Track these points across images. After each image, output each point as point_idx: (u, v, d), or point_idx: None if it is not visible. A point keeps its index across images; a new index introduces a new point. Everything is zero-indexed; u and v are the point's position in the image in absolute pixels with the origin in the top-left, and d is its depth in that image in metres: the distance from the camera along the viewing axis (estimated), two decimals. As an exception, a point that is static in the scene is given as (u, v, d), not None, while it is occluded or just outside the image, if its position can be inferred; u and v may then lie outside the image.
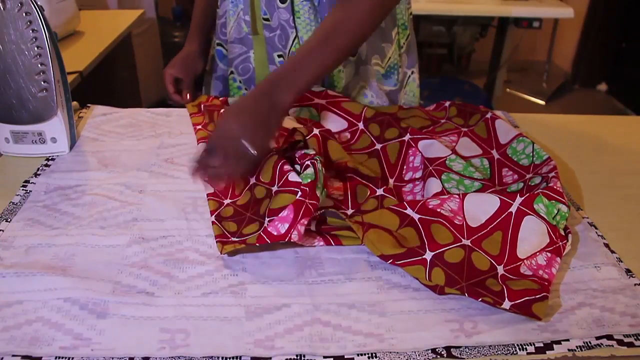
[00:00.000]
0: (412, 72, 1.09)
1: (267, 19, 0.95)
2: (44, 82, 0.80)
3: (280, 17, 0.94)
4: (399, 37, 1.02)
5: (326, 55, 0.75)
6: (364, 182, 0.79)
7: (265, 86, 0.74)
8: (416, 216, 0.66)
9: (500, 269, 0.63)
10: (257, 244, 0.64)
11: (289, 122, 0.88)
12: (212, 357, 0.53)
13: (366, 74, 1.01)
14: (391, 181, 0.82)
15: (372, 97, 1.02)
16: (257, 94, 0.74)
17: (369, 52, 0.99)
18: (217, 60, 1.09)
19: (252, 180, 0.76)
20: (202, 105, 1.00)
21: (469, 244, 0.64)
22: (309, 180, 0.67)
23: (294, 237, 0.63)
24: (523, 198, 0.67)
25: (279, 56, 0.99)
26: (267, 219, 0.66)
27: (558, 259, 0.64)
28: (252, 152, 0.69)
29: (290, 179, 0.70)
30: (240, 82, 1.05)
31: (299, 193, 0.66)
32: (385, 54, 1.01)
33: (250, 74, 1.03)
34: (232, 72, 1.05)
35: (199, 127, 0.94)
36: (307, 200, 0.65)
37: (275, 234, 0.63)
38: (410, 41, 1.06)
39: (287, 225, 0.63)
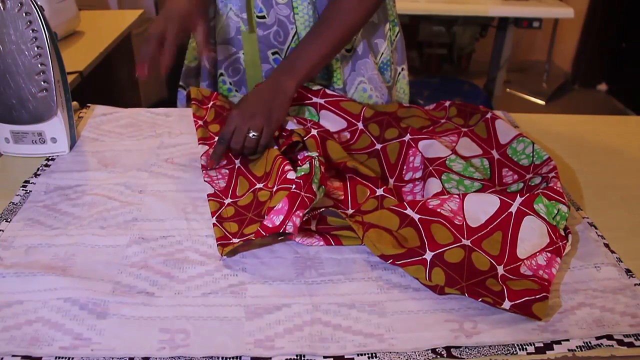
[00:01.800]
0: (402, 69, 1.10)
1: (261, 17, 0.94)
2: (44, 82, 0.80)
3: (280, 13, 0.93)
4: (390, 34, 1.03)
5: (324, 45, 0.87)
6: (364, 182, 0.79)
7: (271, 77, 0.87)
8: (416, 216, 0.66)
9: (500, 269, 0.63)
10: (254, 238, 0.64)
11: (288, 123, 0.88)
12: (212, 357, 0.53)
13: (365, 67, 1.00)
14: (391, 181, 0.82)
15: (372, 90, 1.02)
16: (263, 84, 0.86)
17: (364, 48, 0.99)
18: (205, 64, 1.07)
19: (258, 185, 0.76)
20: (211, 102, 0.99)
21: (469, 244, 0.64)
22: (302, 174, 0.68)
23: (289, 228, 0.63)
24: (523, 198, 0.67)
25: (274, 53, 0.98)
26: (266, 217, 0.66)
27: (558, 259, 0.64)
28: (254, 134, 0.80)
29: (288, 177, 0.70)
30: (230, 83, 1.03)
31: (294, 186, 0.66)
32: (379, 50, 1.02)
33: (240, 75, 1.02)
34: (221, 74, 1.03)
35: (200, 122, 0.94)
36: (302, 193, 0.65)
37: (270, 226, 0.63)
38: (399, 38, 1.07)
39: (282, 217, 0.63)
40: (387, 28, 1.02)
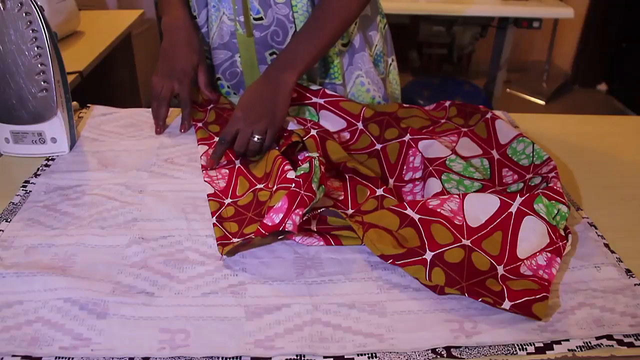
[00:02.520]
0: (393, 60, 1.11)
1: (258, 18, 0.93)
2: (44, 82, 0.80)
3: (279, 13, 0.92)
4: (380, 26, 1.03)
5: (321, 37, 0.86)
6: (364, 182, 0.79)
7: (270, 73, 0.85)
8: (416, 216, 0.66)
9: (500, 269, 0.63)
10: (254, 236, 0.64)
11: (289, 124, 0.88)
12: (212, 357, 0.53)
13: (362, 61, 1.01)
14: (391, 181, 0.82)
15: (369, 84, 1.02)
16: (263, 82, 0.85)
17: (360, 41, 0.99)
18: None
19: (259, 185, 0.76)
20: (210, 105, 0.99)
21: (469, 244, 0.64)
22: (302, 173, 0.68)
23: (289, 226, 0.63)
24: (523, 198, 0.67)
25: (272, 54, 0.97)
26: (266, 216, 0.66)
27: (558, 259, 0.64)
28: (259, 138, 0.81)
29: (288, 176, 0.70)
30: (228, 87, 1.03)
31: (293, 185, 0.66)
32: (373, 42, 1.03)
33: (238, 78, 1.01)
34: (218, 79, 1.02)
35: (200, 124, 0.94)
36: (302, 192, 0.65)
37: (270, 224, 0.63)
38: (387, 30, 1.08)
39: (281, 215, 0.63)
40: (378, 20, 1.03)
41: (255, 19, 0.94)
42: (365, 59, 1.00)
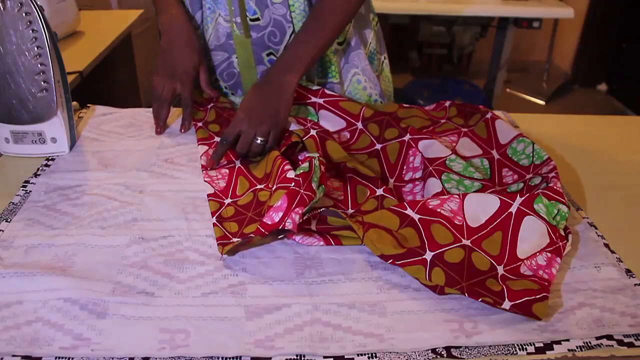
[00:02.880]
0: (385, 58, 1.11)
1: (255, 19, 0.93)
2: (44, 82, 0.80)
3: (276, 13, 0.92)
4: (373, 23, 1.04)
5: (321, 37, 0.86)
6: (364, 182, 0.80)
7: (272, 75, 0.85)
8: (416, 216, 0.66)
9: (501, 269, 0.63)
10: (253, 235, 0.64)
11: (289, 124, 0.88)
12: (212, 357, 0.53)
13: (358, 59, 1.01)
14: (391, 181, 0.82)
15: (366, 81, 1.02)
16: (265, 84, 0.84)
17: (356, 39, 0.99)
18: None
19: (259, 186, 0.76)
20: (210, 104, 0.99)
21: (469, 244, 0.64)
22: (301, 172, 0.68)
23: (288, 225, 0.63)
24: (523, 198, 0.67)
25: (269, 54, 0.97)
26: (265, 215, 0.66)
27: (558, 259, 0.64)
28: (262, 140, 0.81)
29: (287, 176, 0.70)
30: (225, 87, 1.03)
31: (293, 184, 0.66)
32: (367, 40, 1.03)
33: (235, 79, 1.01)
34: (216, 80, 1.02)
35: (200, 124, 0.94)
36: (301, 191, 0.65)
37: (269, 223, 0.63)
38: (379, 27, 1.08)
39: (281, 214, 0.64)
40: (371, 18, 1.03)
41: (251, 20, 0.93)
42: (361, 56, 1.00)
